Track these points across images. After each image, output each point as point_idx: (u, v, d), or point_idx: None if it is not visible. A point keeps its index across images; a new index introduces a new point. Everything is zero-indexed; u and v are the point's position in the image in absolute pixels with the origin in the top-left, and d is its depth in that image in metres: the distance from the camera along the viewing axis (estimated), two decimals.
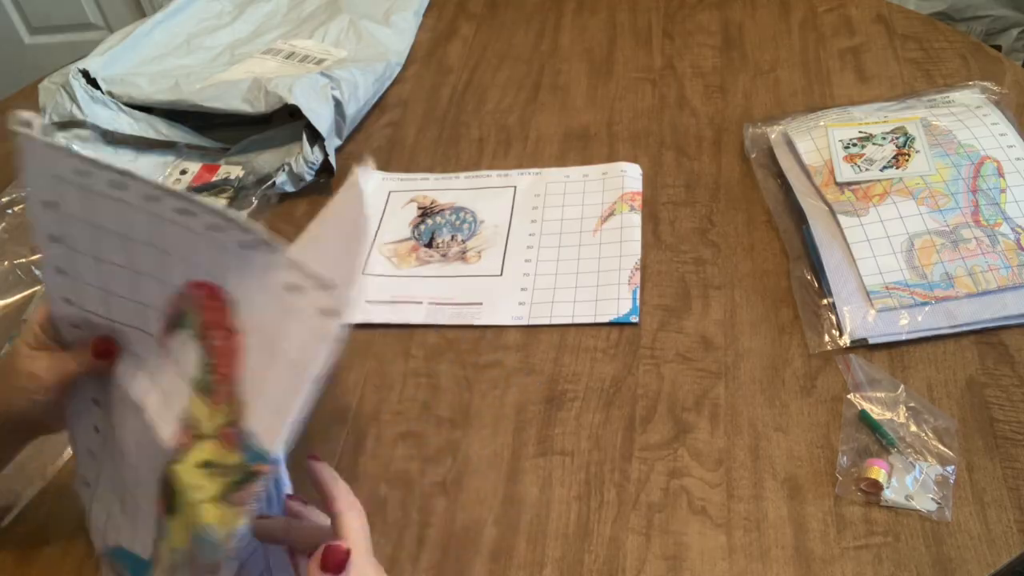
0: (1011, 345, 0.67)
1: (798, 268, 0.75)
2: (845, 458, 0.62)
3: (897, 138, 0.79)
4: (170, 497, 0.51)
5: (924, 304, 0.69)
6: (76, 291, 0.55)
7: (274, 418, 0.46)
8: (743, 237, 0.79)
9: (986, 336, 0.68)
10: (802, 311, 0.72)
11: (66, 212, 0.52)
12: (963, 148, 0.77)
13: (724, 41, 1.02)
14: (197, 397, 0.51)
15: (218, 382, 0.49)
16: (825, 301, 0.71)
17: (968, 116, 0.81)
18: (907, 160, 0.77)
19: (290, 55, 1.06)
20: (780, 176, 0.83)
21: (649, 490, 0.63)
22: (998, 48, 1.57)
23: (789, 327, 0.71)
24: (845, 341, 0.69)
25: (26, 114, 0.48)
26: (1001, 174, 0.75)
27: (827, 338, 0.69)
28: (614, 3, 1.12)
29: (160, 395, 0.53)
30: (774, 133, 0.86)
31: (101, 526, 0.60)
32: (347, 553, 0.46)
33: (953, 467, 0.60)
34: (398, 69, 1.07)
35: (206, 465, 0.49)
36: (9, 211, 0.90)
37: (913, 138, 0.79)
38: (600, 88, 0.99)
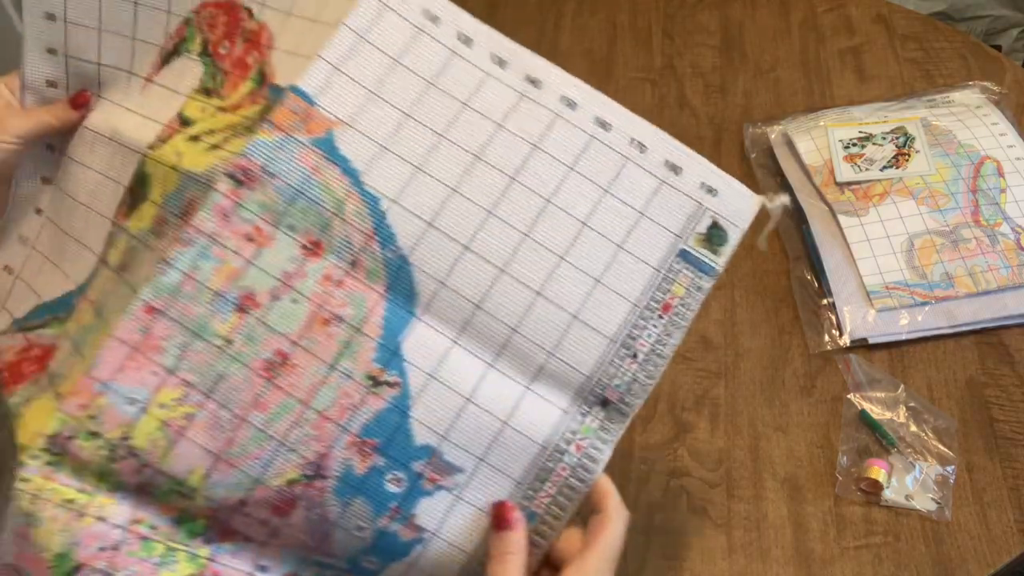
0: (1011, 345, 0.67)
1: (798, 268, 0.75)
2: (845, 458, 0.62)
3: (897, 138, 0.79)
4: (138, 188, 0.51)
5: (924, 304, 0.69)
6: (66, 36, 0.55)
7: (298, 63, 0.49)
8: (743, 237, 0.79)
9: (986, 336, 0.68)
10: (802, 311, 0.72)
11: None
12: (963, 148, 0.77)
13: (724, 41, 1.02)
14: (194, 99, 0.52)
15: (230, 78, 0.52)
16: (825, 301, 0.71)
17: (968, 116, 0.81)
18: (907, 160, 0.77)
19: None
20: (780, 176, 0.83)
21: (649, 490, 0.63)
22: (998, 48, 1.57)
23: (789, 327, 0.71)
24: (845, 341, 0.69)
25: None
26: (1001, 174, 0.75)
27: (827, 338, 0.69)
28: (614, 3, 1.12)
29: (138, 118, 0.54)
30: (774, 133, 0.86)
31: (17, 304, 0.58)
32: (512, 511, 0.45)
33: (953, 467, 0.60)
34: None
35: (194, 138, 0.51)
36: None
37: (913, 138, 0.79)
38: (600, 88, 0.98)
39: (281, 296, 0.47)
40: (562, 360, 0.48)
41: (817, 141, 0.82)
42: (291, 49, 0.51)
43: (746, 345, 0.71)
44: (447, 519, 0.47)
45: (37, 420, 0.46)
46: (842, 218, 0.75)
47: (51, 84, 0.57)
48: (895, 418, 0.63)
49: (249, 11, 0.53)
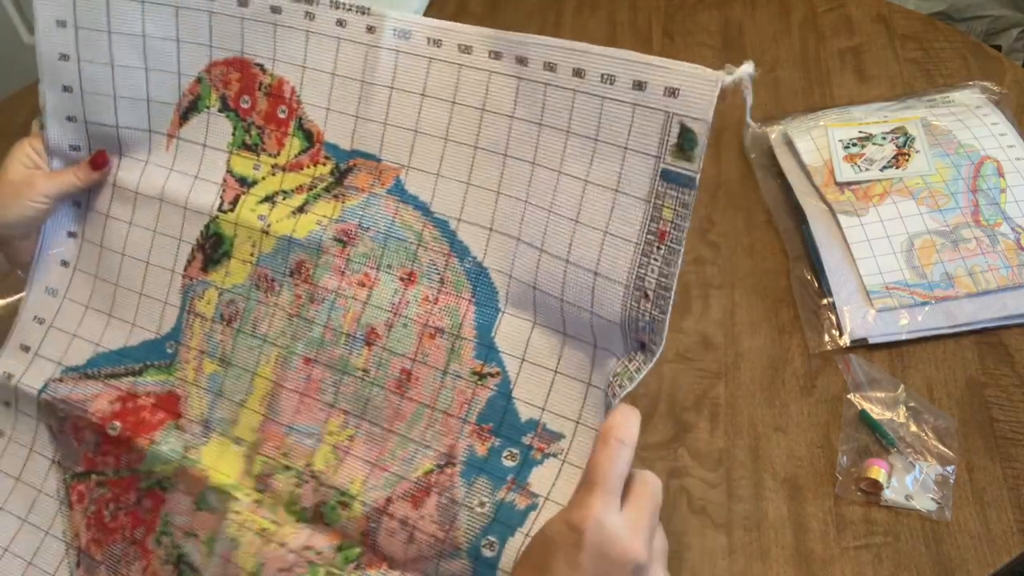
0: (1011, 345, 0.67)
1: (798, 268, 0.75)
2: (845, 458, 0.62)
3: (897, 138, 0.79)
4: (213, 249, 0.61)
5: (924, 304, 0.69)
6: (82, 105, 0.62)
7: (345, 122, 0.58)
8: (743, 237, 0.79)
9: (986, 336, 0.68)
10: (802, 311, 0.72)
11: (80, 26, 0.60)
12: (963, 148, 0.77)
13: (724, 41, 1.02)
14: (238, 155, 0.61)
15: (268, 132, 0.60)
16: (825, 301, 0.71)
17: (968, 116, 0.81)
18: (907, 160, 0.77)
19: None
20: (780, 176, 0.83)
21: None
22: (998, 48, 1.57)
23: (789, 327, 0.71)
24: (845, 341, 0.69)
25: None
26: (1001, 174, 0.75)
27: (827, 338, 0.69)
28: (614, 3, 1.12)
29: (181, 176, 0.62)
30: (774, 133, 0.86)
31: (59, 354, 0.64)
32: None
33: (953, 467, 0.60)
34: None
35: (267, 199, 0.60)
36: None
37: (913, 138, 0.79)
38: None
39: (395, 324, 0.56)
40: (600, 316, 0.51)
41: (817, 141, 0.82)
42: (325, 104, 0.58)
43: (746, 345, 0.71)
44: (557, 482, 0.50)
45: (231, 465, 0.58)
46: (842, 218, 0.75)
47: (74, 148, 0.63)
48: (895, 418, 0.63)
49: (261, 67, 0.60)
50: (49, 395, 0.62)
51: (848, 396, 0.65)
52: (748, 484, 0.62)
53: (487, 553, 0.50)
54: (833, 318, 0.70)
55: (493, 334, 0.54)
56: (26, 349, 0.64)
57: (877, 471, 0.59)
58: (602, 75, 0.50)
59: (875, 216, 0.74)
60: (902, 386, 0.65)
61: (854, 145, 0.80)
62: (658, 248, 0.49)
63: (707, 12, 1.07)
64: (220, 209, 0.61)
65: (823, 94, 0.92)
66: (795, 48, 0.99)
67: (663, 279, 0.49)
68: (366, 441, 0.56)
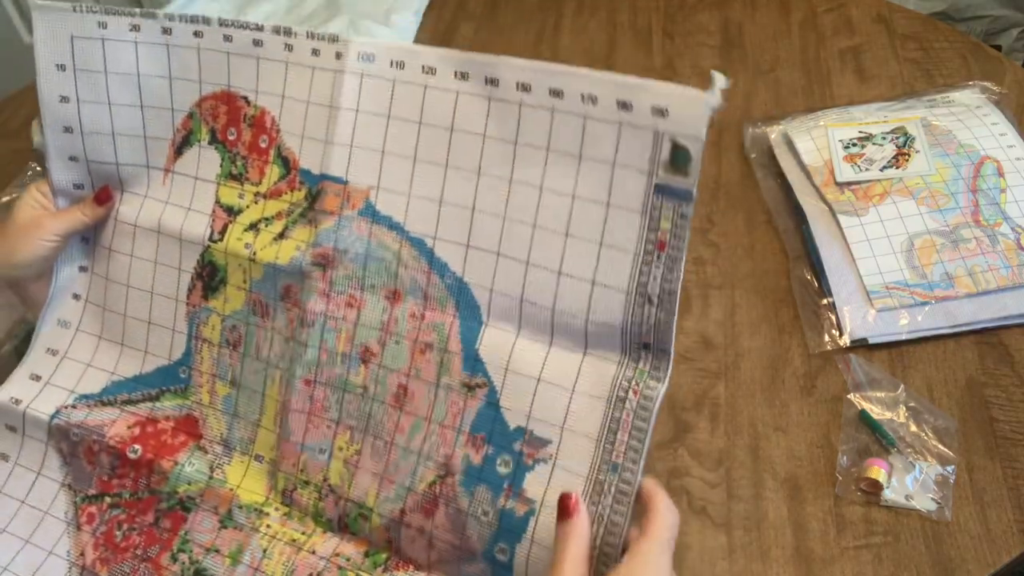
0: (1011, 345, 0.67)
1: (798, 268, 0.75)
2: (845, 458, 0.62)
3: (897, 138, 0.79)
4: (210, 277, 0.63)
5: (924, 304, 0.69)
6: (83, 144, 0.64)
7: (316, 147, 0.59)
8: (743, 237, 0.79)
9: (986, 336, 0.68)
10: (802, 311, 0.72)
11: (80, 68, 0.62)
12: (963, 148, 0.77)
13: (724, 41, 1.02)
14: (225, 185, 0.63)
15: (251, 162, 0.62)
16: (825, 301, 0.71)
17: (968, 116, 0.81)
18: (907, 160, 0.77)
19: None
20: (780, 176, 0.83)
21: None
22: (998, 48, 1.57)
23: (789, 327, 0.71)
24: (845, 341, 0.69)
25: None
26: (1001, 174, 0.75)
27: (827, 338, 0.69)
28: (614, 3, 1.12)
29: (176, 208, 0.64)
30: (774, 133, 0.86)
31: (72, 382, 0.66)
32: (572, 499, 0.48)
33: (953, 467, 0.60)
34: None
35: (252, 227, 0.61)
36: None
37: (913, 138, 0.79)
38: None
39: (387, 342, 0.57)
40: (597, 322, 0.52)
41: (817, 141, 0.82)
42: (300, 132, 0.60)
43: (746, 345, 0.71)
44: (549, 487, 0.52)
45: (257, 483, 0.61)
46: (842, 218, 0.75)
47: (78, 186, 0.66)
48: (895, 418, 0.63)
49: (246, 99, 0.62)
50: (62, 420, 0.64)
51: (848, 396, 0.65)
52: (748, 484, 0.62)
53: (500, 558, 0.53)
54: (833, 318, 0.70)
55: (477, 346, 0.55)
56: (37, 378, 0.66)
57: (877, 471, 0.59)
58: (582, 95, 0.51)
59: (875, 216, 0.74)
60: (902, 386, 0.65)
61: (854, 145, 0.80)
62: (658, 257, 0.50)
63: (707, 12, 1.07)
64: (211, 239, 0.63)
65: (823, 94, 0.92)
66: (795, 48, 0.99)
67: (667, 284, 0.50)
68: (372, 454, 0.57)
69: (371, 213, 0.58)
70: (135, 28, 0.62)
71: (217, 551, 0.59)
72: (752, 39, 1.02)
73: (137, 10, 0.62)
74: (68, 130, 0.64)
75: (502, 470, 0.54)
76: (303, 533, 0.58)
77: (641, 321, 0.51)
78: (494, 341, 0.55)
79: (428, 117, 0.56)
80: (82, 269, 0.68)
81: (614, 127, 0.50)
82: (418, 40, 1.12)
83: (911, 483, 0.60)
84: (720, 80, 0.48)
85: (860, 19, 1.01)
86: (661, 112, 0.49)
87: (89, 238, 0.67)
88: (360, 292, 0.58)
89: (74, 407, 0.64)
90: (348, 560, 0.57)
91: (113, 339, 0.67)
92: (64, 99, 0.63)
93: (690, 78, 0.98)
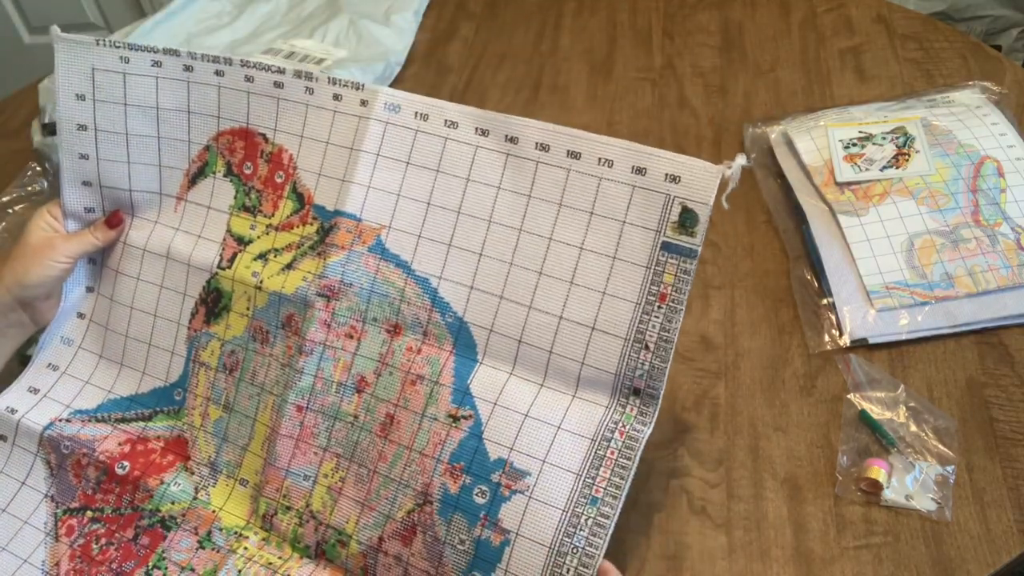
0: (1011, 345, 0.67)
1: (798, 268, 0.75)
2: (845, 458, 0.62)
3: (897, 138, 0.79)
4: (214, 303, 0.65)
5: (924, 304, 0.69)
6: (98, 170, 0.66)
7: (332, 185, 0.62)
8: (743, 237, 0.79)
9: (986, 336, 0.68)
10: (802, 311, 0.72)
11: (99, 99, 0.64)
12: (963, 148, 0.77)
13: (724, 41, 1.02)
14: (237, 216, 0.65)
15: (265, 195, 0.64)
16: (825, 301, 0.71)
17: (968, 116, 0.81)
18: (907, 160, 0.77)
19: (290, 55, 1.06)
20: (780, 176, 0.83)
21: (649, 490, 0.63)
22: (998, 48, 1.57)
23: (789, 327, 0.71)
24: (845, 341, 0.69)
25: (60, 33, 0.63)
26: (1001, 174, 0.75)
27: (827, 338, 0.69)
28: (614, 3, 1.12)
29: (186, 236, 0.66)
30: (774, 133, 0.86)
31: (69, 397, 0.67)
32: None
33: (953, 467, 0.60)
34: (398, 69, 1.07)
35: (261, 256, 0.64)
36: (9, 211, 0.90)
37: (913, 138, 0.79)
38: (600, 88, 0.99)
39: (382, 373, 0.59)
40: (592, 367, 0.56)
41: (817, 141, 0.82)
42: (317, 170, 0.63)
43: (746, 345, 0.71)
44: (525, 517, 0.54)
45: (240, 506, 0.62)
46: (842, 218, 0.75)
47: (89, 210, 0.67)
48: (895, 418, 0.63)
49: (264, 136, 0.65)
50: (55, 432, 0.64)
51: (848, 396, 0.65)
52: (748, 484, 0.62)
53: None
54: (833, 318, 0.70)
55: (469, 381, 0.58)
56: (34, 391, 0.67)
57: (877, 471, 0.59)
58: (599, 159, 0.56)
59: (875, 216, 0.74)
60: (902, 386, 0.65)
61: (854, 145, 0.80)
62: (659, 307, 0.54)
63: (707, 12, 1.07)
64: (219, 266, 0.65)
65: (823, 94, 0.92)
66: (795, 48, 0.99)
67: (664, 333, 0.54)
68: (355, 482, 0.59)
69: (380, 250, 0.60)
70: (157, 64, 0.64)
71: (192, 570, 0.59)
72: (752, 39, 1.02)
73: (159, 47, 0.64)
74: (84, 157, 0.66)
75: (479, 500, 0.55)
76: (279, 558, 0.59)
77: (635, 366, 0.55)
78: (488, 378, 0.58)
79: (446, 166, 0.59)
80: (88, 289, 0.69)
81: (627, 188, 0.55)
82: (418, 40, 1.12)
83: (911, 483, 0.60)
84: (740, 159, 0.53)
85: (860, 19, 1.01)
86: (674, 179, 0.54)
87: (96, 260, 0.69)
88: (362, 324, 0.60)
89: (68, 420, 0.65)
90: None
91: (113, 359, 0.68)
92: (82, 127, 0.65)
93: (690, 78, 0.98)
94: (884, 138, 0.80)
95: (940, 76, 0.91)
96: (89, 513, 0.63)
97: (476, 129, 0.59)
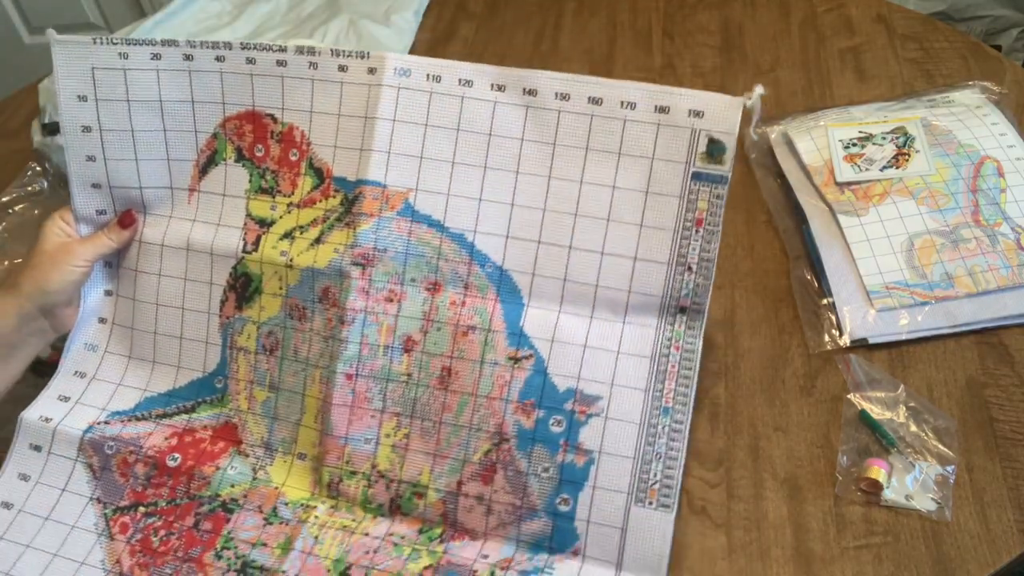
0: (1011, 345, 0.67)
1: (798, 268, 0.75)
2: (845, 458, 0.62)
3: (897, 138, 0.79)
4: (244, 288, 0.65)
5: (924, 304, 0.69)
6: (106, 171, 0.66)
7: (351, 156, 0.62)
8: (743, 237, 0.79)
9: (986, 336, 0.68)
10: (802, 311, 0.72)
11: (102, 99, 0.64)
12: (963, 148, 0.77)
13: (724, 41, 1.02)
14: (255, 199, 0.65)
15: (282, 175, 0.65)
16: (825, 301, 0.71)
17: (968, 116, 0.81)
18: (907, 160, 0.77)
19: None
20: (780, 176, 0.83)
21: None
22: (998, 48, 1.57)
23: (789, 327, 0.71)
24: (845, 341, 0.69)
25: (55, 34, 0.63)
26: (1001, 174, 0.75)
27: (827, 338, 0.69)
28: (614, 3, 1.12)
29: (204, 225, 0.66)
30: (774, 133, 0.86)
31: (103, 401, 0.67)
32: None
33: (953, 467, 0.60)
34: None
35: (286, 236, 0.64)
36: (9, 211, 0.90)
37: (913, 138, 0.79)
38: None
39: (429, 330, 0.61)
40: (638, 293, 0.60)
41: (817, 141, 0.82)
42: (332, 143, 0.63)
43: (746, 345, 0.71)
44: (605, 436, 0.58)
45: (302, 480, 0.63)
46: (842, 218, 0.75)
47: (100, 212, 0.67)
48: (895, 418, 0.63)
49: (272, 117, 0.65)
50: (96, 434, 0.64)
51: (848, 396, 0.65)
52: (748, 484, 0.62)
53: (563, 508, 0.58)
54: (833, 318, 0.70)
55: (522, 324, 0.61)
56: (65, 399, 0.66)
57: (877, 471, 0.59)
58: (622, 102, 0.58)
59: (875, 216, 0.74)
60: (902, 386, 0.65)
61: (854, 145, 0.80)
62: (696, 231, 0.59)
63: (707, 12, 1.07)
64: (244, 250, 0.65)
65: (823, 94, 0.92)
66: (795, 48, 0.99)
67: (705, 253, 0.59)
68: (421, 436, 0.61)
69: (410, 212, 0.62)
70: (156, 57, 0.64)
71: (264, 544, 0.59)
72: (752, 39, 1.02)
73: (158, 39, 0.63)
74: (91, 159, 0.65)
75: (556, 429, 0.59)
76: (353, 520, 0.60)
77: (680, 287, 0.59)
78: (537, 318, 0.61)
79: (466, 124, 0.61)
80: (107, 293, 0.69)
81: (652, 127, 0.58)
82: (418, 40, 1.12)
83: (911, 483, 0.60)
84: (759, 89, 0.56)
85: (860, 19, 1.01)
86: (697, 114, 0.57)
87: (112, 263, 0.69)
88: (400, 286, 0.62)
89: (107, 423, 0.65)
90: (403, 538, 0.59)
91: (144, 357, 0.68)
92: (86, 129, 0.64)
93: (690, 78, 0.98)
94: (884, 138, 0.80)
95: (940, 76, 0.91)
96: (142, 509, 0.62)
97: (492, 85, 0.60)
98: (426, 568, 0.57)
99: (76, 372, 0.67)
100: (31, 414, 0.65)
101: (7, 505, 0.63)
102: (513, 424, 0.59)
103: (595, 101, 0.59)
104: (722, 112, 0.57)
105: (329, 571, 0.57)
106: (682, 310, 0.60)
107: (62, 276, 0.64)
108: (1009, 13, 1.60)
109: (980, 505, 0.58)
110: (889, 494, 0.59)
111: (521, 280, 0.61)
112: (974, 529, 0.57)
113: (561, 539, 0.58)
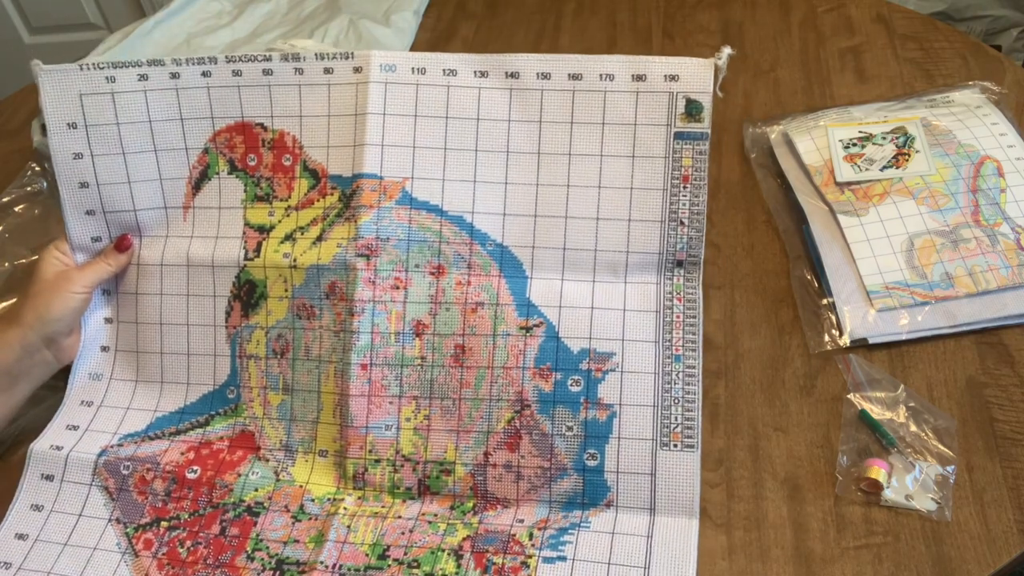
0: (1011, 345, 0.67)
1: (798, 268, 0.75)
2: (845, 458, 0.62)
3: (897, 138, 0.79)
4: (248, 295, 0.66)
5: (924, 304, 0.69)
6: (100, 196, 0.66)
7: (345, 153, 0.64)
8: (743, 237, 0.79)
9: (986, 336, 0.68)
10: (802, 311, 0.72)
11: (91, 124, 0.64)
12: (963, 148, 0.77)
13: (724, 41, 1.02)
14: (252, 208, 0.66)
15: (276, 181, 0.66)
16: (825, 301, 0.71)
17: (968, 116, 0.81)
18: (907, 160, 0.77)
19: None
20: (780, 176, 0.83)
21: None
22: (998, 48, 1.57)
23: (789, 327, 0.71)
24: (845, 341, 0.69)
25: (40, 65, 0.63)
26: (1001, 174, 0.75)
27: (827, 338, 0.69)
28: (614, 3, 1.12)
29: (202, 240, 0.67)
30: (774, 133, 0.86)
31: (113, 426, 0.67)
32: None
33: (953, 467, 0.60)
34: None
35: (287, 238, 0.65)
36: (9, 211, 0.90)
37: (913, 138, 0.79)
38: None
39: (437, 312, 0.63)
40: (636, 252, 0.63)
41: (817, 141, 0.82)
42: (325, 143, 0.64)
43: (746, 345, 0.71)
44: (623, 389, 0.61)
45: (325, 476, 0.63)
46: (842, 218, 0.75)
47: (96, 239, 0.68)
48: (895, 418, 0.63)
49: (262, 126, 0.66)
50: (111, 456, 0.64)
51: (848, 396, 0.65)
52: (748, 484, 0.62)
53: (591, 463, 0.60)
54: (833, 318, 0.70)
55: (528, 295, 0.63)
56: (74, 428, 0.66)
57: (877, 471, 0.59)
58: (600, 75, 0.61)
59: (875, 216, 0.74)
60: (902, 386, 0.65)
61: (854, 145, 0.80)
62: (684, 187, 0.62)
63: (707, 12, 1.07)
64: (247, 258, 0.65)
65: (823, 94, 0.92)
66: (795, 48, 0.99)
67: (694, 207, 0.62)
68: (442, 415, 0.62)
69: (408, 201, 0.63)
70: (143, 78, 0.64)
71: (296, 541, 0.59)
72: (752, 39, 1.02)
73: (143, 60, 0.64)
74: (84, 185, 0.65)
75: (575, 388, 0.61)
76: (383, 507, 0.61)
77: (675, 241, 0.62)
78: (542, 288, 0.63)
79: (453, 111, 0.63)
80: (107, 321, 0.69)
81: (631, 95, 0.61)
82: (418, 40, 1.12)
83: (911, 483, 0.60)
84: (727, 49, 0.60)
85: (860, 19, 1.01)
86: (673, 78, 0.61)
87: (111, 290, 0.69)
88: (405, 273, 0.63)
89: (120, 445, 0.65)
90: (436, 515, 0.60)
91: (151, 379, 0.68)
92: (77, 156, 0.65)
93: None
94: (884, 138, 0.80)
95: (940, 76, 0.91)
96: (164, 523, 0.62)
97: (476, 72, 0.63)
98: (465, 539, 0.58)
99: (82, 402, 0.67)
100: (41, 444, 0.65)
101: (22, 536, 0.62)
102: (533, 389, 0.61)
103: (575, 77, 0.62)
104: (696, 74, 0.61)
105: (368, 555, 0.58)
106: (679, 263, 0.63)
107: (63, 304, 0.64)
108: (1009, 13, 1.60)
109: (980, 505, 0.58)
110: (889, 494, 0.59)
111: (522, 254, 0.64)
112: (974, 529, 0.57)
113: (593, 493, 0.60)
